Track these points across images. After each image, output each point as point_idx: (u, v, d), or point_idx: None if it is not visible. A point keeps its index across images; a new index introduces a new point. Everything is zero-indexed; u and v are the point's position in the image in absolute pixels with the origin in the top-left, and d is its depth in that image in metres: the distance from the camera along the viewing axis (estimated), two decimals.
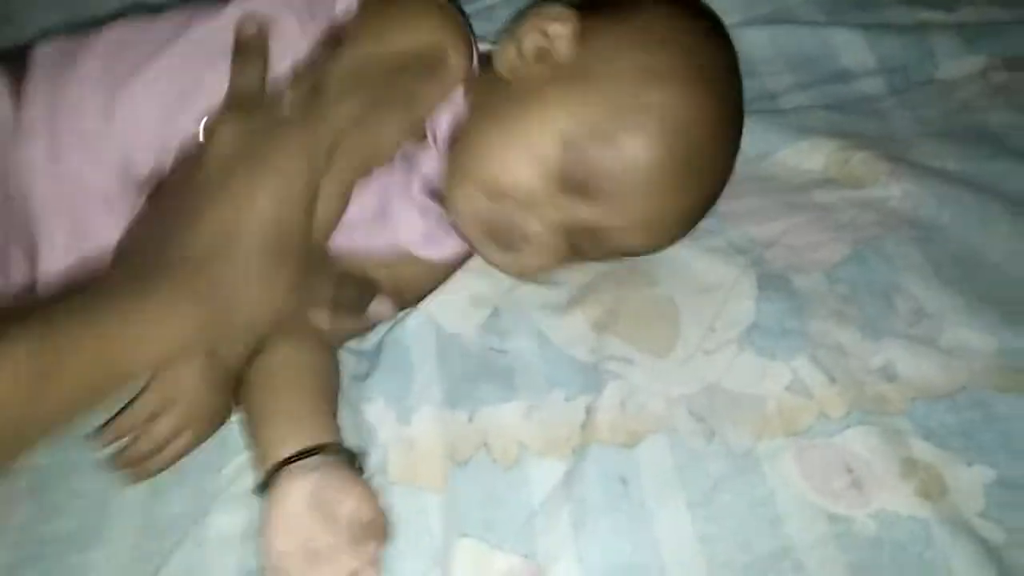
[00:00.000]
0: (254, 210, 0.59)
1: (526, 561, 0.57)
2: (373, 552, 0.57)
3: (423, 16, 0.69)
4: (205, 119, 0.64)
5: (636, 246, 0.70)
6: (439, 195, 0.72)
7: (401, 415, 0.65)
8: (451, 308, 0.72)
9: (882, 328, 0.66)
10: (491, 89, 0.70)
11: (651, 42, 0.66)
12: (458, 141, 0.70)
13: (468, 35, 0.70)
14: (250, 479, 0.62)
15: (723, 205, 0.75)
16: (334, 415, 0.65)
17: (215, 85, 0.66)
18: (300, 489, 0.57)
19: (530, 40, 0.69)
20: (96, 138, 0.68)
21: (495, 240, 0.69)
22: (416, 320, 0.71)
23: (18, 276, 0.68)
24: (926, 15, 0.91)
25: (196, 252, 0.58)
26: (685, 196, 0.68)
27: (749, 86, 0.75)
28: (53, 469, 0.64)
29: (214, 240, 0.58)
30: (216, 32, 0.68)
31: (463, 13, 0.71)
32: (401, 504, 0.60)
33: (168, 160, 0.66)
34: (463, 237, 0.72)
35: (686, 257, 0.72)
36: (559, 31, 0.68)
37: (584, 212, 0.66)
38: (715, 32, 0.71)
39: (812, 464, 0.59)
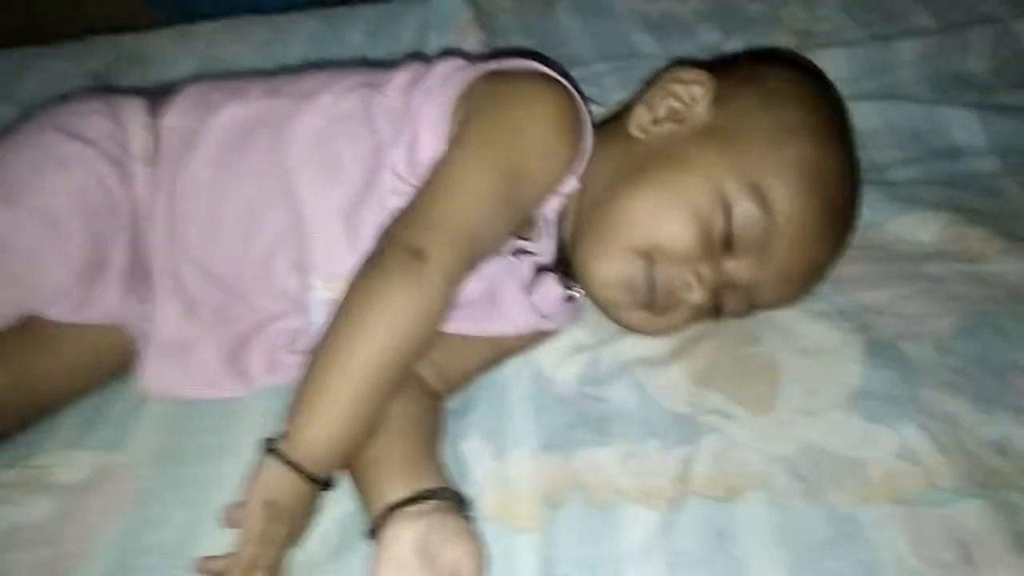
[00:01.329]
0: None
1: None
2: None
3: (540, 111, 0.68)
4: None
5: (776, 299, 0.70)
6: (554, 266, 0.72)
7: (497, 454, 0.65)
8: (550, 353, 0.72)
9: (996, 401, 0.64)
10: (617, 152, 0.70)
11: (782, 101, 0.69)
12: (594, 209, 0.70)
13: (580, 116, 0.69)
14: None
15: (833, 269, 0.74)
16: (441, 461, 0.64)
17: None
18: (409, 533, 0.57)
19: (668, 101, 0.70)
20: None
21: (644, 304, 0.68)
22: (515, 363, 0.72)
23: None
24: None
25: None
26: (826, 246, 0.69)
27: (859, 157, 0.75)
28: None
29: None
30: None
31: (570, 78, 0.71)
32: (493, 542, 0.60)
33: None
34: (603, 305, 0.71)
35: (790, 319, 0.72)
36: (697, 93, 0.70)
37: (735, 267, 0.67)
38: (834, 92, 0.74)
39: (920, 534, 0.57)
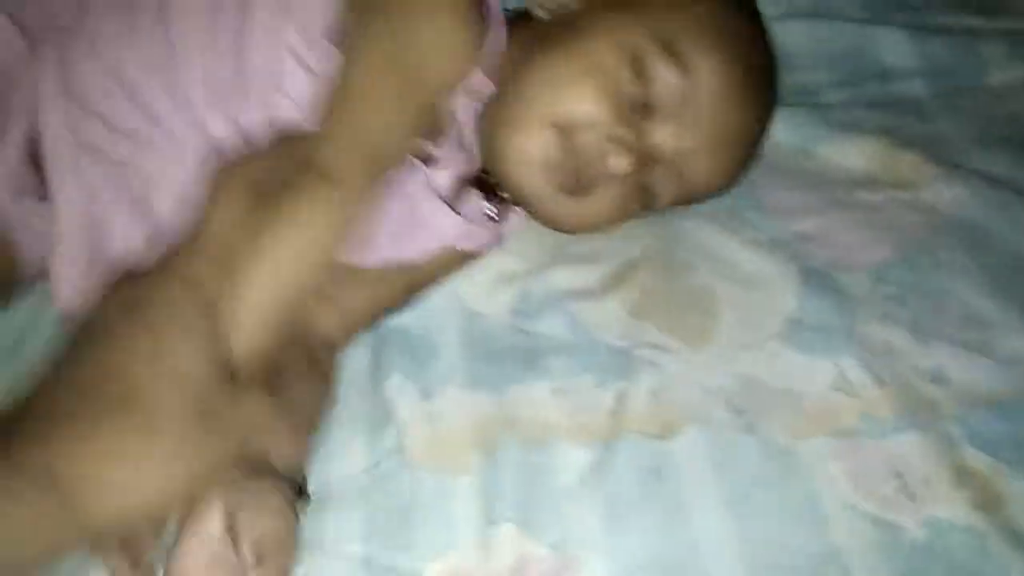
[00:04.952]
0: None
1: (554, 552, 0.54)
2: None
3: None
4: None
5: (708, 175, 0.67)
6: (473, 180, 0.69)
7: (423, 392, 0.62)
8: (476, 286, 0.69)
9: (932, 332, 0.63)
10: (527, 39, 0.67)
11: None
12: (504, 93, 0.66)
13: (475, 21, 0.65)
14: None
15: (765, 196, 0.72)
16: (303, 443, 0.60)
17: None
18: (218, 508, 0.52)
19: None
20: None
21: (566, 184, 0.65)
22: (440, 298, 0.68)
23: None
24: (969, 21, 0.89)
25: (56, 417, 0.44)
26: (749, 109, 0.67)
27: (787, 80, 0.73)
28: None
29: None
30: None
31: None
32: (424, 487, 0.58)
33: None
34: (522, 196, 0.68)
35: (726, 247, 0.70)
36: None
37: (658, 135, 0.64)
38: None
39: (858, 467, 0.57)
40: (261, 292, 0.53)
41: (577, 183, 0.65)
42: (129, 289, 0.50)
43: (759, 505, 0.56)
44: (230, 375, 0.49)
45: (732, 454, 0.58)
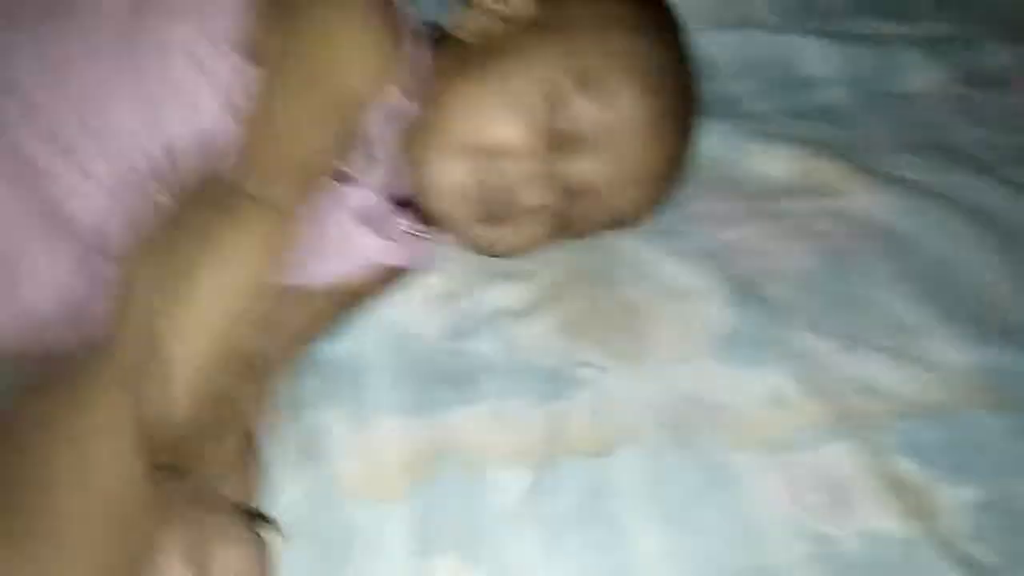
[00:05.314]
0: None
1: None
2: None
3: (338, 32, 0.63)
4: None
5: (624, 205, 0.68)
6: (396, 199, 0.68)
7: (354, 421, 0.61)
8: (407, 306, 0.68)
9: (860, 340, 0.64)
10: (451, 62, 0.67)
11: None
12: (425, 117, 0.66)
13: (390, 16, 0.64)
14: None
15: (691, 206, 0.73)
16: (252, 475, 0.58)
17: None
18: (176, 538, 0.50)
19: (489, 2, 0.68)
20: None
21: (483, 213, 0.65)
22: (371, 321, 0.67)
23: None
24: (887, 28, 0.91)
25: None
26: (668, 141, 0.67)
27: (710, 90, 0.74)
28: None
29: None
30: None
31: None
32: (358, 518, 0.56)
33: None
34: (442, 221, 0.67)
35: (655, 259, 0.70)
36: None
37: (573, 167, 0.64)
38: None
39: (793, 479, 0.57)
40: (197, 336, 0.53)
41: (494, 213, 0.64)
42: (45, 395, 0.49)
43: (696, 521, 0.55)
44: (151, 469, 0.49)
45: (669, 470, 0.58)
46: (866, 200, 0.74)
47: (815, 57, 0.87)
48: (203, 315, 0.54)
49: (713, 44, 0.85)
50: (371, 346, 0.65)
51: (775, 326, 0.64)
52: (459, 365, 0.64)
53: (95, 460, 0.47)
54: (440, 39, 0.68)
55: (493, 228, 0.66)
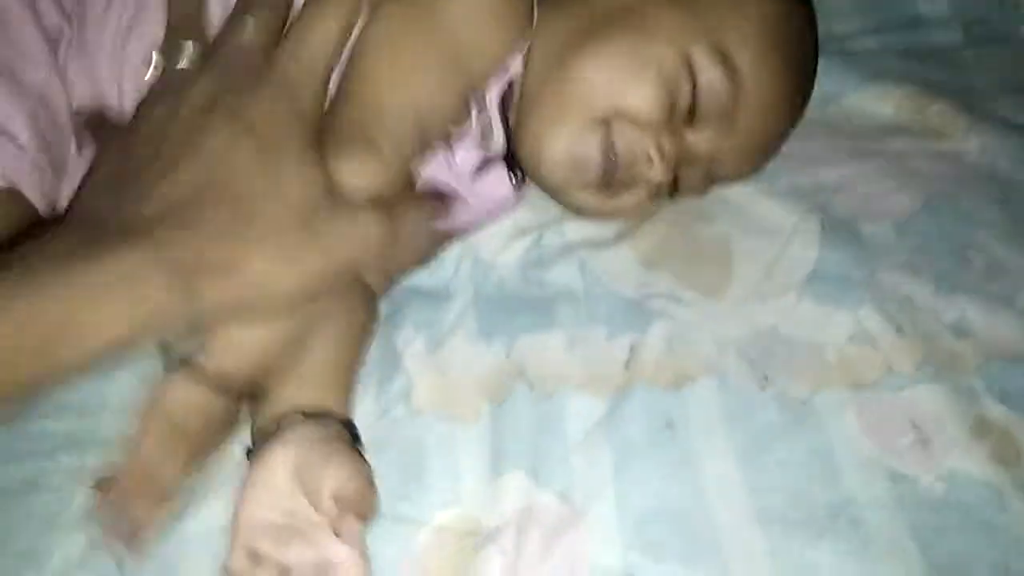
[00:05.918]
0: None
1: (562, 501, 0.54)
2: (355, 533, 0.50)
3: None
4: (156, 53, 0.56)
5: (734, 173, 0.66)
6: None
7: (433, 342, 0.61)
8: (490, 239, 0.68)
9: (955, 283, 0.61)
10: (566, 21, 0.63)
11: None
12: (545, 78, 0.62)
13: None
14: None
15: (788, 146, 0.70)
16: (351, 385, 0.58)
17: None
18: (284, 458, 0.51)
19: None
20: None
21: (601, 182, 0.62)
22: (453, 250, 0.67)
23: None
24: None
25: (170, 210, 0.47)
26: (788, 112, 0.66)
27: (819, 29, 0.70)
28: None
29: (199, 195, 0.48)
30: None
31: None
32: (432, 436, 0.57)
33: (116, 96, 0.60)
34: (551, 188, 0.65)
35: (747, 196, 0.68)
36: None
37: (696, 139, 0.62)
38: None
39: (875, 419, 0.55)
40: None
41: (609, 183, 0.62)
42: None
43: (771, 456, 0.54)
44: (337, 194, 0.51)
45: (745, 405, 0.57)
46: (973, 143, 0.71)
47: None
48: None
49: None
50: (453, 272, 0.66)
51: (865, 265, 0.63)
52: (538, 293, 0.64)
53: (274, 158, 0.50)
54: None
55: (603, 195, 0.63)
